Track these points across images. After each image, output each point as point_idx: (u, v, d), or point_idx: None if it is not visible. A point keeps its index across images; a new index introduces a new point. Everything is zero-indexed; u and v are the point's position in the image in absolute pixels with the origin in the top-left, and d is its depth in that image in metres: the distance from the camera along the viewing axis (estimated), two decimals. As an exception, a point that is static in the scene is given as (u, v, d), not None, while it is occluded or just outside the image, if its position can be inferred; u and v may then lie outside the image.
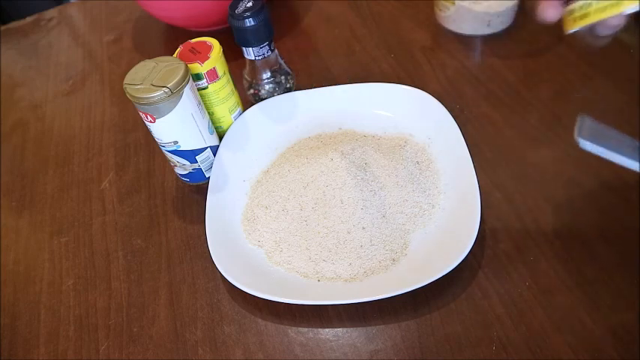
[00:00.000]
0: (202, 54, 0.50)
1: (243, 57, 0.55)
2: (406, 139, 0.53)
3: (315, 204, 0.48)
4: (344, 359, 0.40)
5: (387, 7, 0.72)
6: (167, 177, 0.57)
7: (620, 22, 0.34)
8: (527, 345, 0.39)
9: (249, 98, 0.60)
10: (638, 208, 0.45)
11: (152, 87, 0.44)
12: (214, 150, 0.53)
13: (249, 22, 0.50)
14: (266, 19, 0.51)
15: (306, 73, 0.64)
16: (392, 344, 0.40)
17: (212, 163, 0.53)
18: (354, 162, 0.50)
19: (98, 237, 0.53)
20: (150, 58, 0.47)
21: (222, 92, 0.53)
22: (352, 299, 0.41)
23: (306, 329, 0.43)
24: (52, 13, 0.88)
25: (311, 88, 0.58)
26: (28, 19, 0.87)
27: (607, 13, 0.33)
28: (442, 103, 0.53)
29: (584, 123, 0.29)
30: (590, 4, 0.34)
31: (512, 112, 0.55)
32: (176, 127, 0.47)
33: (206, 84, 0.51)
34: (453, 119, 0.51)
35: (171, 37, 0.76)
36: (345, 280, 0.43)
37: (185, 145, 0.49)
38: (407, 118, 0.55)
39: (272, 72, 0.57)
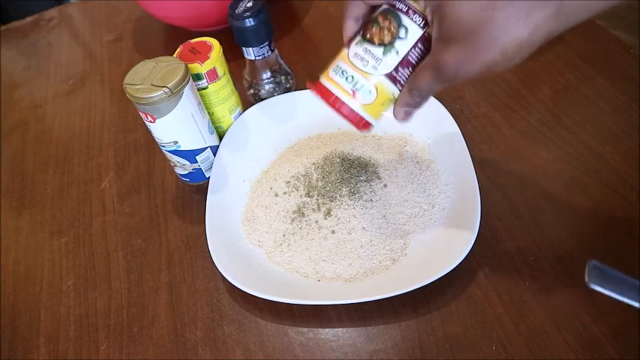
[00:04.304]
0: (202, 54, 0.49)
1: (243, 57, 0.55)
2: (406, 139, 0.53)
3: (316, 204, 0.48)
4: (344, 359, 0.40)
5: (387, 7, 0.72)
6: (167, 177, 0.57)
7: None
8: (527, 345, 0.39)
9: (249, 98, 0.60)
10: (638, 209, 0.45)
11: (152, 87, 0.44)
12: (214, 150, 0.53)
13: (249, 22, 0.50)
14: (266, 19, 0.51)
15: (306, 73, 0.64)
16: (392, 344, 0.40)
17: (212, 163, 0.53)
18: (354, 162, 0.50)
19: (98, 237, 0.53)
20: (150, 58, 0.47)
21: (222, 92, 0.53)
22: (352, 299, 0.41)
23: (306, 329, 0.43)
24: (52, 13, 0.88)
25: (311, 88, 0.58)
26: (28, 19, 0.87)
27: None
28: (442, 103, 0.53)
29: (593, 268, 0.31)
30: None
31: (512, 112, 0.55)
32: (176, 127, 0.47)
33: (206, 84, 0.51)
34: (453, 119, 0.51)
35: (172, 37, 0.76)
36: (345, 280, 0.43)
37: (185, 145, 0.49)
38: (407, 118, 0.55)
39: (272, 72, 0.57)
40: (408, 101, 0.34)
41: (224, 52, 0.51)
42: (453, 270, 0.40)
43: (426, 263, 0.43)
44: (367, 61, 0.34)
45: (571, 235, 0.44)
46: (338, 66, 0.35)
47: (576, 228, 0.45)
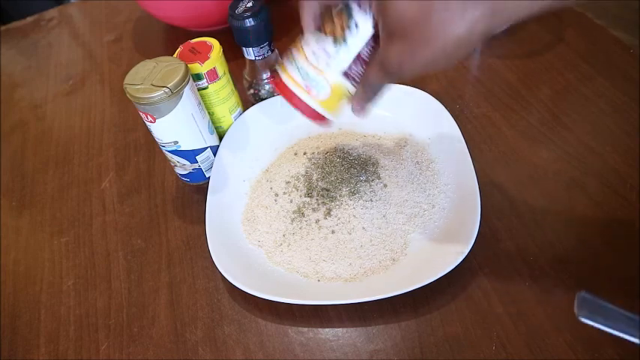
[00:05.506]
0: (202, 54, 0.49)
1: (243, 57, 0.55)
2: (406, 139, 0.53)
3: (316, 204, 0.48)
4: (344, 359, 0.40)
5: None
6: (167, 177, 0.57)
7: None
8: (527, 345, 0.39)
9: (249, 98, 0.60)
10: (638, 208, 0.45)
11: (152, 87, 0.44)
12: (214, 150, 0.53)
13: (249, 22, 0.50)
14: (266, 19, 0.51)
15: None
16: (392, 344, 0.40)
17: (212, 163, 0.53)
18: (354, 162, 0.50)
19: (98, 237, 0.53)
20: (150, 58, 0.47)
21: (222, 92, 0.53)
22: (352, 299, 0.41)
23: (306, 329, 0.43)
24: (52, 13, 0.88)
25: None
26: (29, 19, 0.87)
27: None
28: (442, 103, 0.53)
29: (582, 300, 0.31)
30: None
31: (512, 112, 0.55)
32: (176, 127, 0.47)
33: (206, 84, 0.51)
34: (453, 119, 0.51)
35: (172, 37, 0.76)
36: (345, 280, 0.43)
37: (185, 145, 0.49)
38: (407, 118, 0.55)
39: (272, 72, 0.57)
40: (363, 97, 0.36)
41: (224, 52, 0.51)
42: (453, 270, 0.40)
43: (425, 263, 0.43)
44: (321, 57, 0.34)
45: (571, 235, 0.44)
46: (295, 61, 0.36)
47: (576, 228, 0.45)
